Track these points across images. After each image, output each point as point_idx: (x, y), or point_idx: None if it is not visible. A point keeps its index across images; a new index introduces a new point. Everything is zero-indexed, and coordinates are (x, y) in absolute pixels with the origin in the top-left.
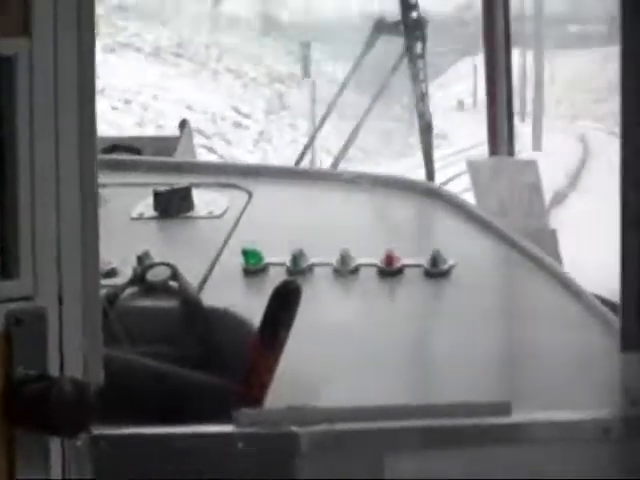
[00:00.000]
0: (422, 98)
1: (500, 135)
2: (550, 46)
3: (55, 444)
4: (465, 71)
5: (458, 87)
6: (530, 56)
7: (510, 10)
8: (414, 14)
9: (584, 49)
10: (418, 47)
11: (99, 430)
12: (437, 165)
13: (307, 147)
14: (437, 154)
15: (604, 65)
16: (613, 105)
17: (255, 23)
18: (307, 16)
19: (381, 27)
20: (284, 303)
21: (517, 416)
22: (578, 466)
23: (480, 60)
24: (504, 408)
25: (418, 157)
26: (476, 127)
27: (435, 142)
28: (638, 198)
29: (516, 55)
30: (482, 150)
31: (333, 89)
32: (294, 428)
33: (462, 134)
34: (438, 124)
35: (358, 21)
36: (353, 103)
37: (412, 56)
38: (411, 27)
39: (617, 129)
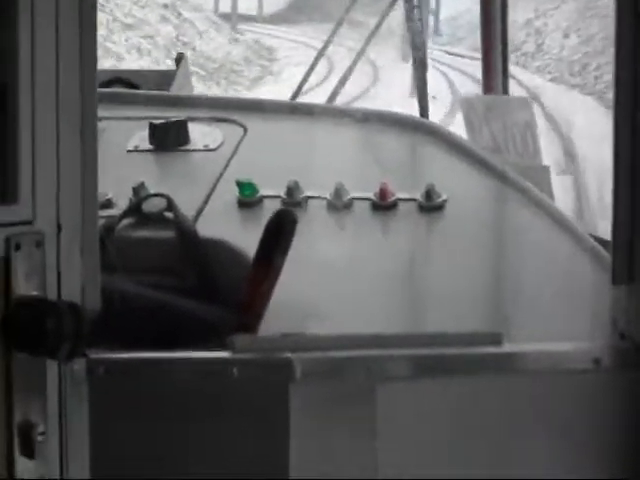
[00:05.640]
0: (418, 34)
1: (495, 72)
2: None
3: (52, 367)
4: None
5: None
6: None
7: None
8: None
9: None
10: None
11: (95, 354)
12: None
13: (303, 82)
14: None
15: None
16: None
17: None
18: None
19: None
20: (280, 231)
21: (508, 346)
22: (568, 395)
23: None
24: (496, 338)
25: None
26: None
27: None
28: (631, 140)
29: None
30: None
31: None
32: (288, 354)
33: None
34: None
35: None
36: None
37: None
38: None
39: None
